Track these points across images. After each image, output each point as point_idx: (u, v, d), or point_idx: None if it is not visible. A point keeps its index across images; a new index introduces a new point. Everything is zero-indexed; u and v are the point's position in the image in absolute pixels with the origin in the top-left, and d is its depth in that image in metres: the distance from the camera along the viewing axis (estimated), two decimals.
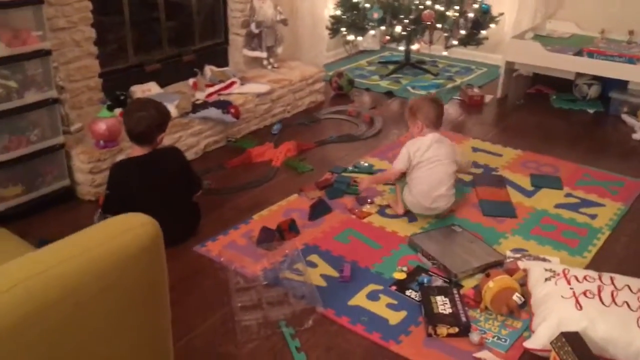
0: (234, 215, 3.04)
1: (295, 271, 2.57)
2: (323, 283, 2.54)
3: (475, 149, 3.84)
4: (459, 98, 4.77)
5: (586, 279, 2.24)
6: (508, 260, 2.67)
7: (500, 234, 2.91)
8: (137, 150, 2.69)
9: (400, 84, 5.06)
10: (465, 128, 4.22)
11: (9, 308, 1.12)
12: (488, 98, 4.73)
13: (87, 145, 3.14)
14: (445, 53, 5.15)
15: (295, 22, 4.91)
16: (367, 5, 4.80)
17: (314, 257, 2.71)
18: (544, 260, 2.63)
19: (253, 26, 4.24)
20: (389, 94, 4.85)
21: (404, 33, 4.81)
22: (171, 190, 2.74)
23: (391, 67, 5.42)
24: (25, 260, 1.24)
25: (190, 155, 3.58)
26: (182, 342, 2.22)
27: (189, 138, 3.56)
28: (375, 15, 4.77)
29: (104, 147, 3.11)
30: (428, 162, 2.94)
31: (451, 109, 4.58)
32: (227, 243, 2.80)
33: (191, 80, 4.00)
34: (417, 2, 4.73)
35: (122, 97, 3.57)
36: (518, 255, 2.70)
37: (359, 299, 2.45)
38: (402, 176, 3.04)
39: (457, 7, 4.75)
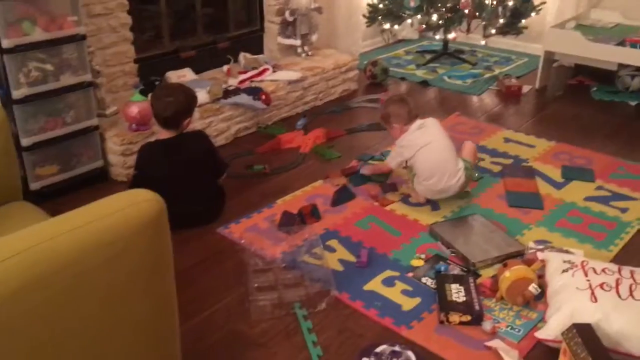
0: (258, 199, 3.10)
1: (313, 255, 2.60)
2: (340, 267, 2.57)
3: (507, 140, 3.78)
4: (495, 88, 4.69)
5: (604, 272, 2.19)
6: (529, 252, 2.63)
7: (524, 225, 2.87)
8: (164, 134, 2.77)
9: (437, 73, 5.02)
10: (499, 118, 4.16)
11: (8, 276, 1.19)
12: (526, 89, 4.64)
13: (120, 128, 3.25)
14: (483, 42, 5.06)
15: (331, 10, 4.93)
16: None
17: (333, 242, 2.74)
18: (567, 252, 2.58)
19: (287, 14, 4.27)
20: (424, 83, 4.81)
21: (441, 22, 4.76)
22: (196, 173, 2.81)
23: (428, 56, 5.38)
24: (28, 231, 1.31)
25: (220, 140, 3.66)
26: (197, 318, 2.29)
27: (219, 123, 3.63)
28: (412, 4, 4.73)
29: (135, 130, 3.21)
30: (422, 148, 2.93)
31: (487, 99, 4.52)
32: (250, 226, 2.86)
33: (225, 67, 4.08)
34: None
35: (156, 82, 3.67)
36: (540, 247, 2.66)
37: (375, 284, 2.47)
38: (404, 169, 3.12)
39: None
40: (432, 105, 4.42)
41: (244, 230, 2.82)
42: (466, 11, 4.70)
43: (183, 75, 3.91)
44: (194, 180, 2.80)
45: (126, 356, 1.52)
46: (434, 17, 4.71)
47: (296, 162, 3.49)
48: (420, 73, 5.02)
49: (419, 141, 2.96)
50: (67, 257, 1.30)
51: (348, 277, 2.50)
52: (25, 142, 2.87)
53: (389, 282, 2.48)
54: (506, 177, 3.30)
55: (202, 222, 2.84)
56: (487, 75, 4.93)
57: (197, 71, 4.00)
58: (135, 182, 2.78)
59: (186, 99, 2.72)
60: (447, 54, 5.36)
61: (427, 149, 2.93)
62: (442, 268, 2.54)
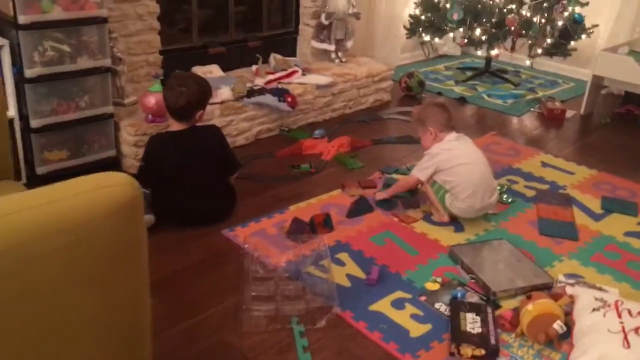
0: (271, 203, 2.93)
1: (320, 267, 2.41)
2: (347, 283, 2.37)
3: (544, 164, 3.53)
4: (537, 110, 4.44)
5: None
6: (558, 285, 2.39)
7: (555, 256, 2.62)
8: (176, 125, 2.63)
9: (476, 91, 4.79)
10: (539, 142, 3.90)
11: None
12: (570, 114, 4.38)
13: (136, 119, 3.13)
14: (528, 62, 4.82)
15: (370, 18, 4.77)
16: (448, 5, 4.57)
17: (343, 256, 2.54)
18: (600, 289, 2.32)
19: (323, 17, 4.13)
20: (462, 100, 4.59)
21: (484, 37, 4.54)
22: (206, 169, 2.66)
23: (469, 73, 5.16)
24: None
25: (240, 140, 3.52)
26: (187, 322, 2.12)
27: (241, 122, 3.48)
28: (455, 16, 4.53)
29: (152, 122, 3.08)
30: (463, 163, 2.74)
31: (527, 122, 4.27)
32: (257, 230, 2.69)
33: (254, 67, 3.94)
34: (502, 5, 4.45)
35: None
36: (571, 281, 2.41)
37: (382, 305, 2.26)
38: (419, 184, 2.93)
39: (545, 14, 4.42)
40: (468, 122, 4.19)
41: (250, 235, 2.65)
42: (512, 28, 4.47)
43: (210, 72, 3.79)
44: (203, 175, 2.65)
45: (87, 350, 1.36)
46: (477, 31, 4.49)
47: (316, 169, 3.31)
48: (459, 90, 4.80)
49: (459, 153, 2.76)
50: (17, 237, 1.15)
51: (354, 295, 2.30)
52: (34, 123, 2.77)
53: (398, 304, 2.27)
54: (540, 203, 3.06)
55: (209, 221, 2.68)
56: (529, 97, 4.68)
57: (225, 69, 3.88)
58: (142, 174, 2.65)
59: (199, 90, 2.57)
60: (489, 72, 5.13)
61: (469, 164, 2.74)
62: (459, 294, 2.31)
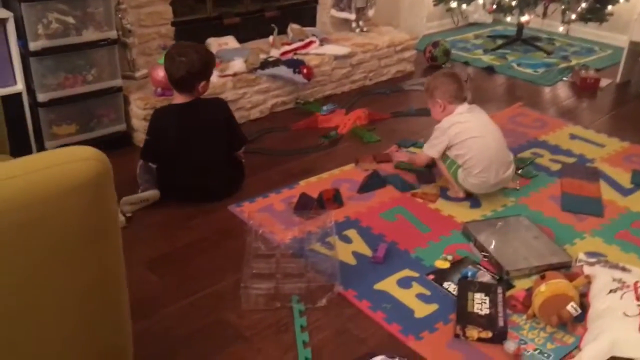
0: (281, 178, 2.85)
1: (326, 244, 2.33)
2: (353, 261, 2.28)
3: (573, 136, 3.34)
4: (570, 80, 4.21)
5: None
6: (577, 264, 2.25)
7: (577, 234, 2.48)
8: (179, 98, 2.56)
9: (506, 60, 4.58)
10: (569, 113, 3.70)
11: None
12: (605, 82, 4.14)
13: (146, 92, 3.08)
14: (561, 29, 4.57)
15: None
16: None
17: (351, 232, 2.45)
18: (623, 269, 2.17)
19: None
20: (489, 69, 4.39)
21: (514, 3, 4.31)
22: (211, 143, 2.59)
23: (500, 41, 4.93)
24: None
25: (254, 113, 3.43)
26: (185, 301, 2.07)
27: (254, 95, 3.39)
28: None
29: (161, 95, 3.03)
30: (476, 136, 2.59)
31: (558, 91, 4.07)
32: (264, 206, 2.62)
33: (271, 38, 3.83)
34: None
35: None
36: (592, 260, 2.26)
37: (388, 284, 2.16)
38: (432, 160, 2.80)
39: None
40: (495, 93, 4.01)
41: (257, 210, 2.58)
42: None
43: (225, 43, 3.70)
44: (208, 150, 2.58)
45: (59, 333, 1.31)
46: None
47: (329, 138, 3.21)
48: (487, 59, 4.60)
49: (470, 126, 2.62)
50: None
51: (359, 273, 2.21)
52: (41, 97, 2.74)
53: (405, 283, 2.17)
54: (565, 177, 2.90)
55: (214, 197, 2.62)
56: (562, 66, 4.45)
57: (241, 40, 3.78)
58: (147, 148, 2.60)
59: (200, 60, 2.48)
60: (521, 40, 4.90)
61: (483, 137, 2.60)
62: (470, 273, 2.20)
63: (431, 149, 2.72)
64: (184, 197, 2.62)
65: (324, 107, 3.51)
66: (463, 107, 2.67)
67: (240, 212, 2.57)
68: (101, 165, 1.27)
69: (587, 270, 2.08)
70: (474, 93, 3.92)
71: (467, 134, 2.59)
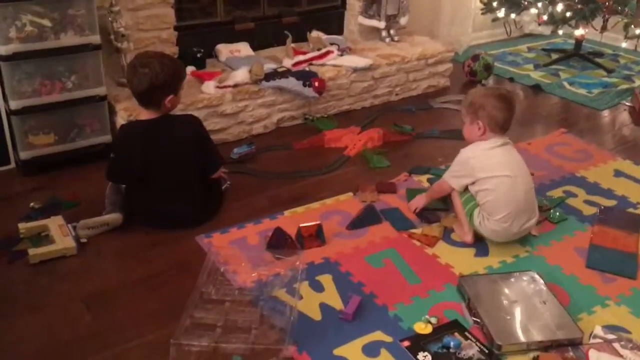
0: (266, 205, 2.55)
1: (291, 291, 2.01)
2: (318, 315, 1.95)
3: (618, 173, 2.86)
4: (628, 104, 3.69)
5: None
6: (591, 341, 1.83)
7: (599, 299, 2.04)
8: (144, 114, 2.30)
9: (558, 77, 4.09)
10: (621, 144, 3.21)
11: None
12: None
13: (135, 102, 2.84)
14: (624, 44, 4.03)
15: None
16: None
17: (325, 278, 2.11)
18: None
19: None
20: (536, 87, 3.92)
21: (569, 14, 3.82)
22: (180, 164, 2.32)
23: (555, 56, 4.43)
24: None
25: (258, 128, 3.15)
26: (107, 352, 1.80)
27: (257, 109, 3.10)
28: None
29: None
30: (503, 175, 2.20)
31: (612, 117, 3.56)
32: (237, 239, 2.32)
33: (291, 46, 3.53)
34: None
35: (199, 55, 3.25)
36: (610, 337, 1.84)
37: (351, 350, 1.82)
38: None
39: None
40: (536, 115, 3.55)
41: (227, 243, 2.29)
42: (605, 4, 3.72)
43: (237, 50, 3.45)
44: (176, 172, 2.31)
45: None
46: (559, 7, 3.78)
47: (332, 166, 2.88)
48: (536, 75, 4.12)
49: (499, 161, 2.24)
50: None
51: (321, 332, 1.88)
52: (13, 105, 2.56)
53: (372, 350, 1.82)
54: (598, 224, 2.44)
55: (183, 224, 2.35)
56: (622, 87, 3.92)
57: (256, 47, 3.51)
58: (112, 167, 2.36)
59: (165, 71, 2.20)
60: (579, 55, 4.38)
61: (512, 178, 2.21)
62: (452, 343, 1.82)
63: (454, 180, 2.34)
64: (151, 222, 2.36)
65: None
66: (499, 139, 2.27)
67: (208, 244, 2.28)
68: None
69: (593, 355, 1.66)
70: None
71: (493, 171, 2.21)
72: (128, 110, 2.75)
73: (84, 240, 2.25)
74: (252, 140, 3.07)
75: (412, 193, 2.59)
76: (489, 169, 2.23)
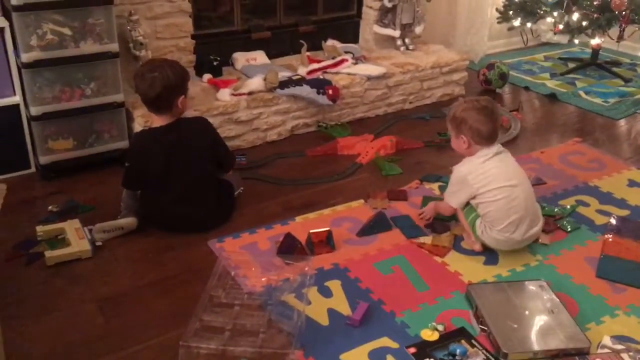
0: (277, 211, 2.58)
1: (300, 296, 2.03)
2: (325, 320, 1.97)
3: (632, 183, 2.85)
4: None
5: None
6: (599, 351, 1.83)
7: (608, 309, 2.04)
8: (158, 120, 2.35)
9: (574, 86, 4.07)
10: (635, 154, 3.19)
11: None
12: None
13: None
14: None
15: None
16: None
17: (334, 284, 2.14)
18: None
19: None
20: (552, 96, 3.91)
21: (585, 23, 3.81)
22: (197, 167, 2.37)
23: (572, 65, 4.42)
24: None
25: (272, 135, 3.19)
26: (120, 353, 1.84)
27: (272, 116, 3.15)
28: None
29: None
30: (502, 186, 2.20)
31: (628, 127, 3.54)
32: (248, 244, 2.36)
33: (305, 54, 3.57)
34: None
35: (215, 63, 3.30)
36: (619, 347, 1.84)
37: (357, 355, 1.83)
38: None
39: None
40: (551, 124, 3.54)
41: (239, 248, 2.33)
42: (622, 13, 3.71)
43: (253, 58, 3.49)
44: (194, 175, 2.37)
45: None
46: (575, 16, 3.78)
47: (344, 172, 2.90)
48: (552, 84, 4.11)
49: (496, 173, 2.23)
50: None
51: (328, 337, 1.90)
52: (34, 110, 2.62)
53: (378, 356, 1.84)
54: (611, 233, 2.43)
55: (197, 228, 2.40)
56: (638, 96, 3.89)
57: (272, 56, 3.56)
58: (128, 175, 2.41)
59: (174, 73, 2.27)
60: (596, 64, 4.36)
61: (512, 187, 2.20)
62: (458, 351, 1.83)
63: (451, 198, 2.35)
64: (165, 226, 2.41)
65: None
66: (491, 149, 2.26)
67: (220, 248, 2.32)
68: None
69: None
70: (526, 124, 3.50)
71: (492, 183, 2.21)
72: (145, 117, 2.80)
73: (99, 243, 2.30)
74: (266, 147, 3.12)
75: (427, 201, 2.61)
76: (486, 182, 2.22)
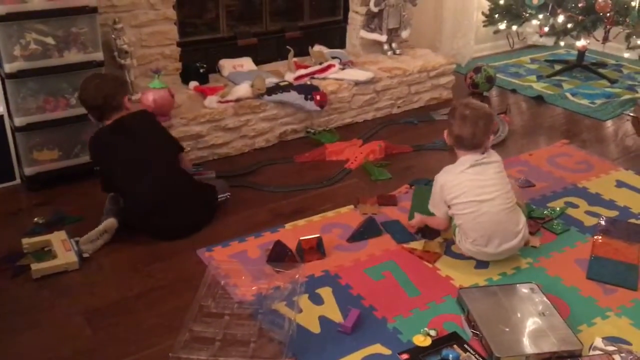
0: (267, 219, 2.57)
1: (291, 305, 2.01)
2: (317, 328, 1.95)
3: (620, 184, 2.86)
4: (630, 114, 3.68)
5: None
6: (591, 353, 1.82)
7: (599, 310, 2.04)
8: (109, 121, 2.44)
9: (560, 88, 4.09)
10: (622, 155, 3.20)
11: None
12: None
13: None
14: (627, 55, 4.04)
15: (439, 3, 4.23)
16: None
17: (325, 291, 2.12)
18: None
19: (372, 3, 3.65)
20: (539, 98, 3.93)
21: (570, 25, 3.83)
22: (152, 154, 2.42)
23: (558, 67, 4.44)
24: None
25: (260, 142, 3.17)
26: None
27: (259, 123, 3.13)
28: (535, 1, 3.88)
29: None
30: (470, 200, 2.17)
31: (615, 128, 3.55)
32: (238, 252, 2.34)
33: (292, 60, 3.56)
34: None
35: (201, 70, 3.28)
36: (611, 349, 1.84)
37: None
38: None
39: None
40: (538, 127, 3.55)
41: (228, 257, 2.31)
42: (606, 14, 3.74)
43: (240, 65, 3.48)
44: (155, 164, 2.41)
45: None
46: (560, 18, 3.80)
47: (334, 178, 2.89)
48: (539, 86, 4.13)
49: (468, 186, 2.18)
50: None
51: (320, 345, 1.88)
52: (18, 121, 2.59)
53: None
54: (600, 235, 2.44)
55: (181, 232, 2.43)
56: (625, 97, 3.91)
57: (259, 62, 3.55)
58: (101, 180, 2.47)
59: (113, 77, 2.48)
60: (583, 66, 4.38)
61: (480, 203, 2.16)
62: (451, 356, 1.82)
63: (434, 208, 2.34)
64: (148, 231, 2.40)
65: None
66: (471, 157, 2.23)
67: (209, 258, 2.30)
68: None
69: None
70: (514, 126, 3.50)
71: (461, 197, 2.18)
72: None
73: (86, 255, 2.27)
74: (254, 153, 3.11)
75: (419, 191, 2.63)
76: (458, 193, 2.19)
